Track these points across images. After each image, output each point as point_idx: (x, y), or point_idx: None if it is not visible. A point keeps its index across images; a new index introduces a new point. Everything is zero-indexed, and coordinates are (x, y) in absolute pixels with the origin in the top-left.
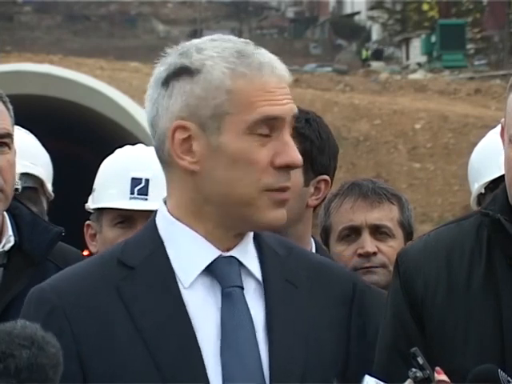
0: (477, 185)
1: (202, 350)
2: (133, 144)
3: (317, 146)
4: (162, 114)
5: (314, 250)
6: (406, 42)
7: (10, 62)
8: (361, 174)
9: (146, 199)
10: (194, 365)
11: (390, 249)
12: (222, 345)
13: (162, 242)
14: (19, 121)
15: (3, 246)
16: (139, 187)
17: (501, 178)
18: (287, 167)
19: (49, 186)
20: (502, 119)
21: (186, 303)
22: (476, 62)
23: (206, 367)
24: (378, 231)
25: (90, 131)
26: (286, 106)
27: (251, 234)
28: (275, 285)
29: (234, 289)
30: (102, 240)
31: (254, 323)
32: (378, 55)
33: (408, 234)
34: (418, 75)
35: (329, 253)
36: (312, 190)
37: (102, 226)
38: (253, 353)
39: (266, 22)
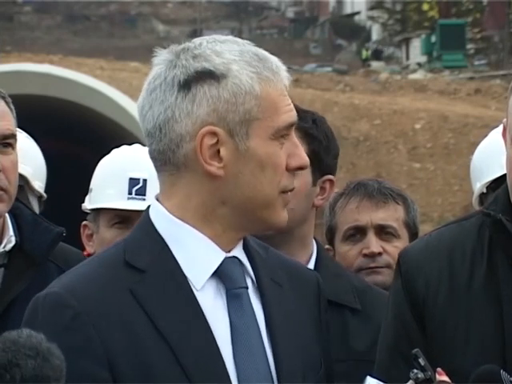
0: (479, 184)
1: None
2: (132, 144)
3: (324, 146)
4: (179, 119)
5: (315, 250)
6: (406, 42)
7: (10, 62)
8: (361, 174)
9: (144, 199)
10: (216, 365)
11: (395, 249)
12: (235, 346)
13: (164, 243)
14: (19, 121)
15: (4, 246)
16: (137, 187)
17: (503, 178)
18: (298, 169)
19: (36, 184)
20: (504, 119)
21: (200, 305)
22: (476, 62)
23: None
24: (383, 231)
25: (89, 131)
26: (294, 112)
27: None
28: (266, 284)
29: (241, 290)
30: (100, 240)
31: (258, 323)
32: (377, 55)
33: (413, 234)
34: (418, 75)
35: (333, 252)
36: (318, 189)
37: (100, 226)
38: (262, 353)
39: (265, 22)
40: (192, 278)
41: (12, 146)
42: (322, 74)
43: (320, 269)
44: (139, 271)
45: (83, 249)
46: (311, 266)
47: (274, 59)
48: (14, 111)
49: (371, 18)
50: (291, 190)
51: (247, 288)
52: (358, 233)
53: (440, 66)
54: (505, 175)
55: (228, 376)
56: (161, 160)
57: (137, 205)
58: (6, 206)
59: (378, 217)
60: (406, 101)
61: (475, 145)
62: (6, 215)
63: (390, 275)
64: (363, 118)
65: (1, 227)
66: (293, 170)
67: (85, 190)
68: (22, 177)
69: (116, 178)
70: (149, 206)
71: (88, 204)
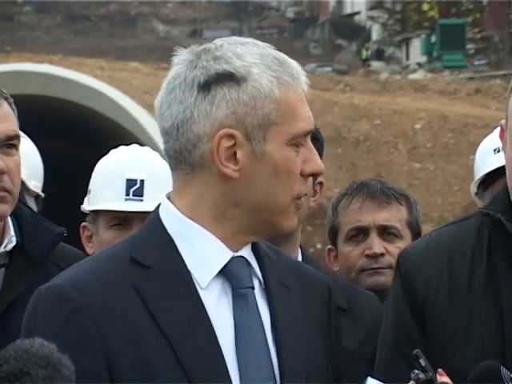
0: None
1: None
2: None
3: (321, 149)
4: (198, 119)
5: (299, 250)
6: (406, 42)
7: (10, 62)
8: (361, 173)
9: (142, 200)
10: (217, 365)
11: (398, 250)
12: (238, 345)
13: (171, 240)
14: (19, 121)
15: (5, 246)
16: (134, 188)
17: (491, 177)
18: (312, 175)
19: (31, 184)
20: (503, 120)
21: (204, 303)
22: (476, 62)
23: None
24: (385, 232)
25: (89, 131)
26: (312, 119)
27: None
28: (274, 286)
29: (247, 290)
30: (99, 242)
31: (263, 323)
32: (379, 55)
33: (416, 234)
34: (418, 75)
35: (335, 253)
36: (312, 192)
37: (98, 227)
38: (265, 353)
39: (265, 22)
40: (197, 276)
41: (16, 146)
42: (321, 74)
43: None
44: (144, 267)
45: (83, 248)
46: None
47: (294, 64)
48: (15, 111)
49: (371, 18)
50: (305, 195)
51: (253, 288)
52: (360, 233)
53: (440, 65)
54: (492, 174)
55: (228, 376)
56: (176, 159)
57: (134, 206)
58: (10, 207)
59: (380, 217)
60: (405, 101)
61: (475, 145)
62: None
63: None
64: (363, 117)
65: (2, 227)
66: (307, 176)
67: (84, 190)
68: None
69: (113, 179)
70: (159, 205)
71: (87, 205)
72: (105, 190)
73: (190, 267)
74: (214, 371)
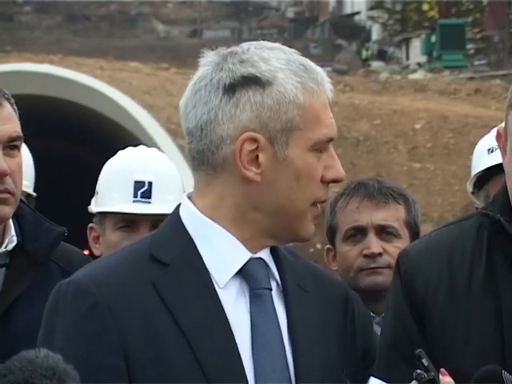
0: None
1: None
2: (133, 144)
3: None
4: (222, 121)
5: None
6: (406, 42)
7: (10, 62)
8: (361, 173)
9: (150, 202)
10: (234, 364)
11: (396, 249)
12: (254, 345)
13: (191, 239)
14: (19, 121)
15: (6, 246)
16: (142, 190)
17: (486, 175)
18: (333, 181)
19: (33, 194)
20: (501, 126)
21: (221, 303)
22: (476, 62)
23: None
24: (383, 231)
25: (90, 131)
26: (335, 126)
27: None
28: (292, 288)
29: (264, 291)
30: (106, 243)
31: (280, 325)
32: (381, 55)
33: (414, 233)
34: (418, 75)
35: (334, 252)
36: None
37: (106, 229)
38: (281, 353)
39: (266, 22)
40: (216, 276)
41: (18, 148)
42: None
43: None
44: (163, 265)
45: (84, 248)
46: None
47: (320, 70)
48: (17, 112)
49: (371, 18)
50: (323, 202)
51: (271, 289)
52: (358, 233)
53: (440, 66)
54: (486, 173)
55: (245, 374)
56: (199, 159)
57: (142, 208)
58: (12, 209)
59: (378, 217)
60: (406, 101)
61: (475, 145)
62: None
63: (391, 275)
64: (363, 117)
65: (2, 227)
66: (328, 182)
67: (85, 189)
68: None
69: (121, 181)
70: (179, 204)
71: (94, 207)
72: (113, 191)
73: (208, 266)
74: (231, 370)
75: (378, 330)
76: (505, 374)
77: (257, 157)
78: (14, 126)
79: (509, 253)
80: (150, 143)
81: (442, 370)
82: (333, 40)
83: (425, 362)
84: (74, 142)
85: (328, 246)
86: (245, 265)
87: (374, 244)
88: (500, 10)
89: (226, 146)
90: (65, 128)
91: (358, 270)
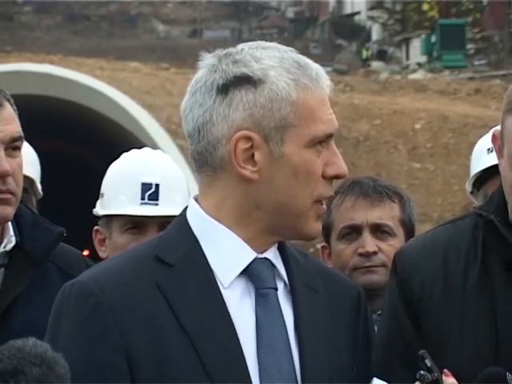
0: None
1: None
2: (133, 145)
3: None
4: (217, 122)
5: None
6: (406, 42)
7: (10, 62)
8: (361, 174)
9: (157, 204)
10: (237, 364)
11: (391, 248)
12: (259, 345)
13: (196, 240)
14: (19, 121)
15: (4, 246)
16: (150, 192)
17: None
18: (336, 178)
19: (38, 186)
20: (496, 128)
21: (226, 303)
22: (476, 62)
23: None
24: (378, 230)
25: (89, 131)
26: (335, 122)
27: None
28: (300, 288)
29: (269, 290)
30: (113, 246)
31: (286, 324)
32: (381, 55)
33: (409, 232)
34: (418, 75)
35: (329, 250)
36: None
37: (113, 231)
38: (286, 354)
39: (265, 22)
40: (220, 275)
41: (19, 148)
42: None
43: None
44: (168, 265)
45: (84, 248)
46: None
47: (316, 67)
48: (17, 112)
49: (371, 18)
50: (328, 199)
51: (276, 289)
52: (353, 231)
53: (440, 66)
54: (485, 173)
55: (248, 374)
56: (199, 161)
57: (150, 210)
58: (14, 209)
59: (373, 215)
60: (406, 101)
61: (475, 145)
62: None
63: (386, 274)
64: (363, 117)
65: (1, 227)
66: (330, 179)
67: (85, 189)
68: (28, 178)
69: (128, 183)
70: (187, 206)
71: (100, 209)
72: (119, 194)
73: (213, 267)
74: (235, 370)
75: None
76: (509, 375)
77: (253, 155)
78: (15, 127)
79: (503, 254)
80: (150, 143)
81: (446, 370)
82: (333, 40)
83: (428, 362)
84: (74, 141)
85: (323, 244)
86: (250, 265)
87: (369, 243)
88: (500, 10)
89: (222, 146)
90: (65, 128)
91: (352, 269)
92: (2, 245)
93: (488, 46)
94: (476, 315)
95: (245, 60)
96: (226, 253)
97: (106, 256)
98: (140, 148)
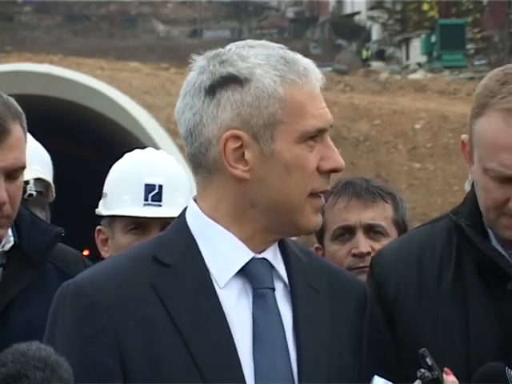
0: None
1: (237, 349)
2: (133, 144)
3: None
4: (207, 123)
5: None
6: (406, 42)
7: (10, 62)
8: (361, 173)
9: (160, 205)
10: (231, 364)
11: None
12: (255, 345)
13: (193, 240)
14: None
15: (3, 246)
16: (153, 193)
17: None
18: (332, 172)
19: (53, 189)
20: (464, 136)
21: (221, 302)
22: (476, 62)
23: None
24: (372, 230)
25: (90, 131)
26: (328, 116)
27: None
28: (300, 288)
29: (266, 290)
30: (115, 246)
31: (283, 324)
32: (380, 55)
33: (402, 232)
34: (418, 75)
35: (322, 251)
36: None
37: (115, 232)
38: (283, 354)
39: (266, 22)
40: (216, 275)
41: (21, 173)
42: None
43: None
44: (164, 266)
45: (83, 248)
46: None
47: (305, 62)
48: (25, 128)
49: (371, 18)
50: (324, 193)
51: (274, 289)
52: (346, 232)
53: (440, 66)
54: None
55: (243, 375)
56: (194, 163)
57: (153, 211)
58: (7, 230)
59: (366, 216)
60: (406, 101)
61: None
62: None
63: None
64: (363, 117)
65: None
66: (326, 173)
67: (85, 189)
68: (45, 182)
69: (131, 184)
70: (186, 207)
71: (103, 210)
72: (122, 194)
73: (209, 266)
74: (228, 370)
75: None
76: (508, 370)
77: (243, 154)
78: (19, 155)
79: (475, 257)
80: (150, 143)
81: (446, 369)
82: (333, 40)
83: (428, 361)
84: (74, 141)
85: (316, 245)
86: (248, 265)
87: (363, 243)
88: (500, 10)
89: (213, 147)
90: (65, 128)
91: (346, 269)
92: (0, 245)
93: (488, 46)
94: (448, 319)
95: (231, 60)
96: (223, 253)
97: (108, 256)
98: (141, 148)
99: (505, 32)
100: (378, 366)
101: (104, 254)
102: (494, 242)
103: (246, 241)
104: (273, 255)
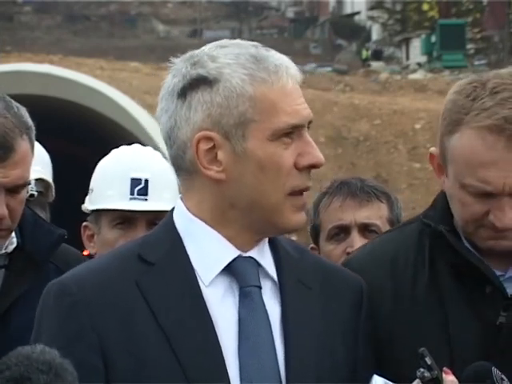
0: None
1: (221, 348)
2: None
3: None
4: (181, 126)
5: None
6: (406, 42)
7: (10, 62)
8: (361, 173)
9: (146, 199)
10: (215, 363)
11: None
12: (240, 343)
13: (180, 238)
14: None
15: (6, 248)
16: (139, 188)
17: None
18: (311, 168)
19: (53, 189)
20: (432, 149)
21: (206, 301)
22: (476, 62)
23: (226, 366)
24: (367, 230)
25: (90, 131)
26: (305, 112)
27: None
28: (290, 286)
29: (252, 288)
30: (101, 241)
31: (271, 323)
32: (377, 55)
33: None
34: (418, 75)
35: (318, 251)
36: None
37: (101, 227)
38: (270, 352)
39: (265, 22)
40: (201, 273)
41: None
42: (321, 74)
43: None
44: (148, 263)
45: (83, 248)
46: None
47: (276, 59)
48: (33, 140)
49: (371, 18)
50: (305, 190)
51: (260, 288)
52: (342, 232)
53: (440, 66)
54: None
55: (227, 374)
56: (175, 166)
57: (139, 205)
58: (6, 239)
59: (361, 215)
60: (406, 101)
61: None
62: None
63: None
64: (363, 117)
65: None
66: (304, 169)
67: (85, 190)
68: (45, 183)
69: (117, 179)
70: (174, 207)
71: (89, 205)
72: (108, 189)
73: (195, 265)
74: (213, 370)
75: None
76: (494, 370)
77: (216, 155)
78: (22, 173)
79: (451, 260)
80: (150, 143)
81: (445, 368)
82: (333, 40)
83: (428, 360)
84: (74, 141)
85: (312, 245)
86: (233, 263)
87: (358, 242)
88: (500, 10)
89: (188, 149)
90: (65, 128)
91: None
92: (4, 246)
93: (488, 45)
94: (426, 325)
95: (202, 61)
96: (208, 251)
97: (94, 252)
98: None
99: (505, 32)
100: (375, 363)
101: (90, 250)
102: (469, 247)
103: (231, 240)
104: (260, 253)
